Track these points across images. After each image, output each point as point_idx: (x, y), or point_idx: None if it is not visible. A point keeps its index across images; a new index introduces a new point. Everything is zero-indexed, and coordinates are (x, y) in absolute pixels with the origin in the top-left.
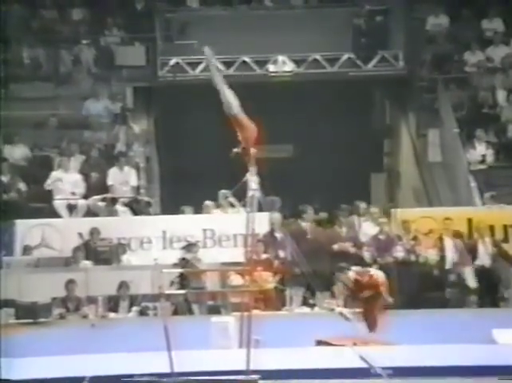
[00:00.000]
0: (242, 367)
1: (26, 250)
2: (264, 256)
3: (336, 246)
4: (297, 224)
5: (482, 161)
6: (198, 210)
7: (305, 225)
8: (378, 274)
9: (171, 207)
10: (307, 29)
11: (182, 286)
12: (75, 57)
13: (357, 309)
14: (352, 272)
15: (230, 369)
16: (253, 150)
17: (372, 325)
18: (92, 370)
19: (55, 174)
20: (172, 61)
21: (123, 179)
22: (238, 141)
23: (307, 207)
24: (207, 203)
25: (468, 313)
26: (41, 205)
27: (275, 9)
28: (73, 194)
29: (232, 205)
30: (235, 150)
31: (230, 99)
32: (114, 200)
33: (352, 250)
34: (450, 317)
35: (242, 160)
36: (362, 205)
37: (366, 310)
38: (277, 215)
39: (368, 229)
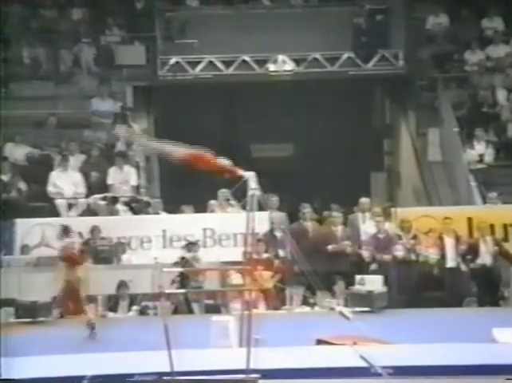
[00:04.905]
0: (242, 366)
1: (26, 249)
2: (264, 255)
3: (330, 247)
4: (298, 223)
5: (480, 161)
6: (198, 209)
7: (305, 224)
8: None
9: (170, 206)
10: (307, 29)
11: (182, 286)
12: (75, 56)
13: None
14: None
15: (231, 368)
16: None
17: None
18: (92, 369)
19: (54, 174)
20: (172, 61)
21: (123, 178)
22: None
23: (304, 206)
24: (212, 202)
25: (468, 312)
26: (41, 204)
27: (275, 8)
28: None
29: (231, 205)
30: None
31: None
32: (115, 199)
33: (349, 249)
34: (450, 316)
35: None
36: (365, 201)
37: None
38: (276, 214)
39: (368, 228)
